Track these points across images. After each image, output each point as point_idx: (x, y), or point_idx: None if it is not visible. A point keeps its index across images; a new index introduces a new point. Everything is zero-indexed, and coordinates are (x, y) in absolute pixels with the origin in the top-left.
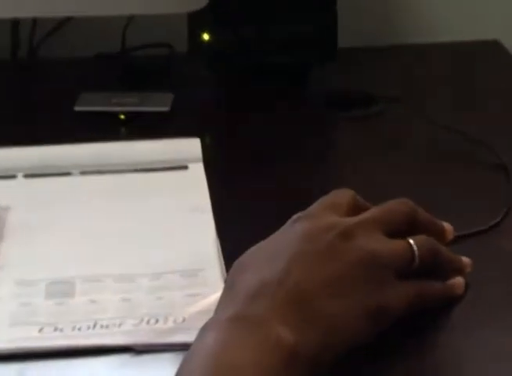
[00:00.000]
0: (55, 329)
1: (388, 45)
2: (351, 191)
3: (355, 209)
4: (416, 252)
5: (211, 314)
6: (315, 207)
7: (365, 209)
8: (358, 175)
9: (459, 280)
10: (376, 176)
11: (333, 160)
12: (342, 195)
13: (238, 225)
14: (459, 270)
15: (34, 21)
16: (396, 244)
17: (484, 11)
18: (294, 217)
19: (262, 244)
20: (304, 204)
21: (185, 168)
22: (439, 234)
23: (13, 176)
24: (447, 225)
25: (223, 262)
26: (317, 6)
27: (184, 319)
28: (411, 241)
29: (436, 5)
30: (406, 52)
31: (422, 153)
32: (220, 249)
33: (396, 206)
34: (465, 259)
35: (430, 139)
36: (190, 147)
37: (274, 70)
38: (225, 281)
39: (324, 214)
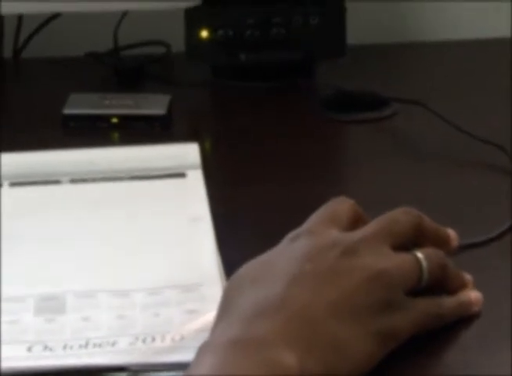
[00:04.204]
0: (45, 348)
1: (398, 42)
2: (349, 200)
3: (355, 221)
4: (425, 267)
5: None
6: (313, 220)
7: (365, 220)
8: (368, 179)
9: (475, 295)
10: (386, 181)
11: (342, 165)
12: (341, 206)
13: (239, 236)
14: (465, 286)
15: (20, 18)
16: (404, 260)
17: (496, 7)
18: (291, 235)
19: (260, 260)
20: (309, 212)
21: (183, 175)
22: (444, 242)
23: None
24: (451, 233)
25: (223, 276)
26: None
27: (182, 338)
28: (419, 255)
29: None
30: (418, 49)
31: (435, 157)
32: (220, 262)
33: (401, 216)
34: (467, 276)
35: (444, 143)
36: (188, 153)
37: (278, 67)
38: (221, 297)
39: (323, 229)
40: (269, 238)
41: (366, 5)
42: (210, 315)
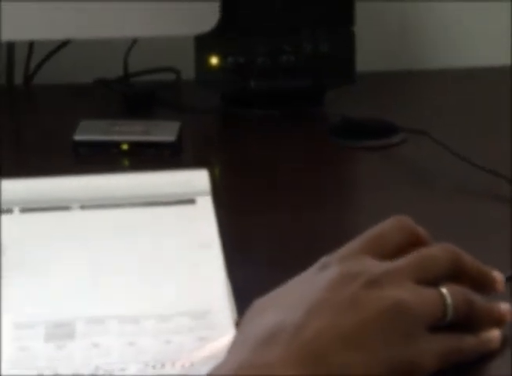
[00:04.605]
0: (55, 374)
1: (408, 69)
2: (406, 221)
3: (408, 244)
4: (450, 303)
5: (220, 359)
6: (352, 245)
7: (425, 241)
8: (374, 205)
9: (494, 334)
10: (391, 207)
11: (350, 192)
12: (392, 229)
13: (249, 263)
14: (497, 321)
15: (31, 45)
16: (427, 294)
17: (500, 35)
18: (324, 260)
19: (283, 288)
20: (317, 238)
21: (193, 201)
22: (488, 285)
23: (9, 211)
24: (497, 275)
25: (233, 303)
26: (333, 25)
27: (192, 364)
28: (444, 291)
29: (460, 29)
30: (427, 77)
31: (443, 186)
32: (229, 289)
33: (439, 252)
34: (504, 307)
35: (449, 171)
36: (198, 180)
37: (287, 94)
38: (237, 323)
39: (357, 256)
40: (279, 265)
41: (375, 32)
42: (219, 342)
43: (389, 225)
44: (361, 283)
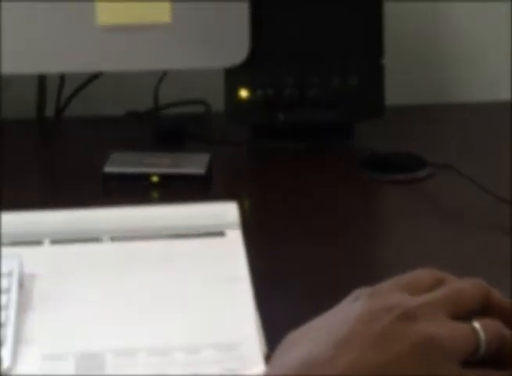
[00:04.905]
0: None
1: (436, 103)
2: (433, 270)
3: (435, 286)
4: (483, 338)
5: None
6: (387, 283)
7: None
8: (402, 240)
9: None
10: (420, 243)
11: (377, 225)
12: (423, 274)
13: (278, 295)
14: None
15: (62, 77)
16: (460, 329)
17: None
18: (356, 293)
19: (316, 321)
20: (347, 271)
21: (222, 234)
22: None
23: (39, 242)
24: None
25: (262, 336)
26: (362, 57)
27: None
28: (476, 326)
29: (488, 63)
30: (455, 110)
31: (470, 221)
32: (259, 321)
33: (469, 287)
34: None
35: (478, 207)
36: (227, 212)
37: (316, 126)
38: (269, 356)
39: (391, 292)
40: (312, 298)
41: (403, 65)
42: (248, 374)
43: (421, 272)
44: (394, 316)
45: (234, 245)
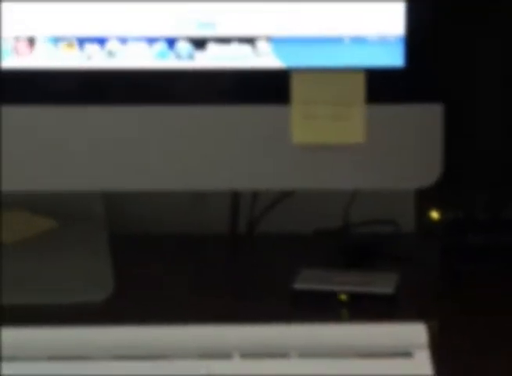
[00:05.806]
0: None
1: None
2: None
3: None
4: None
5: None
6: None
7: None
8: None
9: None
10: None
11: None
12: None
13: None
14: None
15: (255, 194)
16: None
17: None
18: None
19: None
20: None
21: (410, 355)
22: None
23: (228, 356)
24: None
25: None
26: None
27: None
28: None
29: None
30: None
31: None
32: None
33: None
34: None
35: None
36: (415, 333)
37: (508, 249)
38: None
39: None
40: None
41: None
42: None
43: None
44: None
45: (422, 366)
